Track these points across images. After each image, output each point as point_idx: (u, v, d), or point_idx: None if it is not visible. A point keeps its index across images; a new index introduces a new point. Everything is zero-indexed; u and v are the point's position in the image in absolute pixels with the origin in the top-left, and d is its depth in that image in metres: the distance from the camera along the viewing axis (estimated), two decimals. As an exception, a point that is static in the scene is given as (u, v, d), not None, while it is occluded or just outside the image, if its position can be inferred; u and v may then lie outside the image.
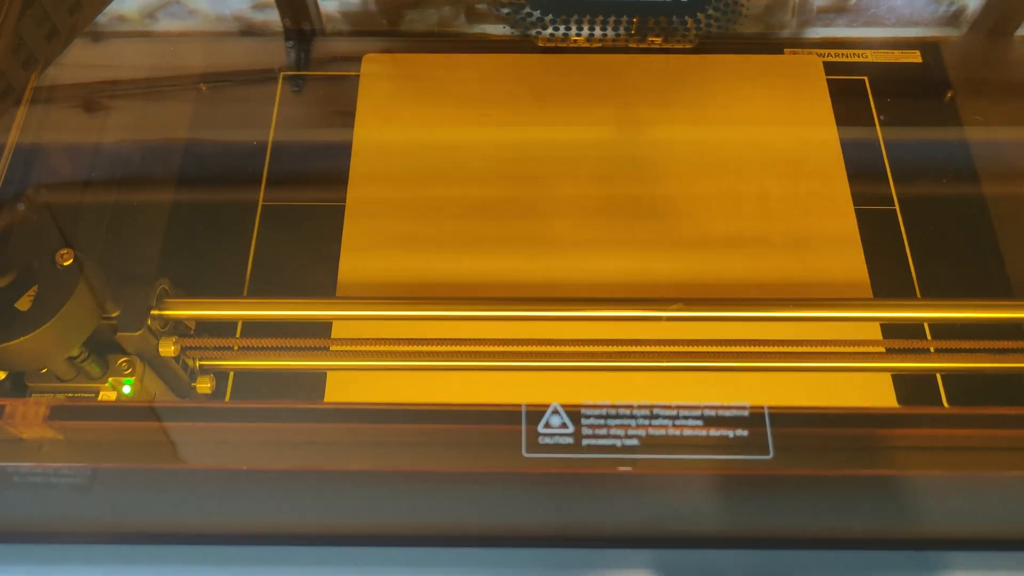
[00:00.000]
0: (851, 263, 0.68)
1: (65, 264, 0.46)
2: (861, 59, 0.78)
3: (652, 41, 0.49)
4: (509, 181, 0.72)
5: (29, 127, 0.71)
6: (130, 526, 0.34)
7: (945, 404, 0.59)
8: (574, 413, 0.36)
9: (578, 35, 0.49)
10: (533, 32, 0.50)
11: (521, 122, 0.74)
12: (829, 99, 0.75)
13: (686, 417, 0.36)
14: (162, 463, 0.35)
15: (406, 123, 0.74)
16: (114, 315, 0.48)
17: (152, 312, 0.49)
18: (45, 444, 0.36)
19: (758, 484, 0.35)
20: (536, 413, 0.36)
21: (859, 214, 0.69)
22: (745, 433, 0.36)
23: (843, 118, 0.74)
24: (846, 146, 0.72)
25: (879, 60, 0.77)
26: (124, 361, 0.49)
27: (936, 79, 0.77)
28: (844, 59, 0.78)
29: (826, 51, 0.77)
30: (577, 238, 0.69)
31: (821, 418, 0.37)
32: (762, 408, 0.36)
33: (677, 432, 0.36)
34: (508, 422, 0.36)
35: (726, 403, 0.36)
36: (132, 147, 0.79)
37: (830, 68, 0.77)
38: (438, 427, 0.36)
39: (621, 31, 0.49)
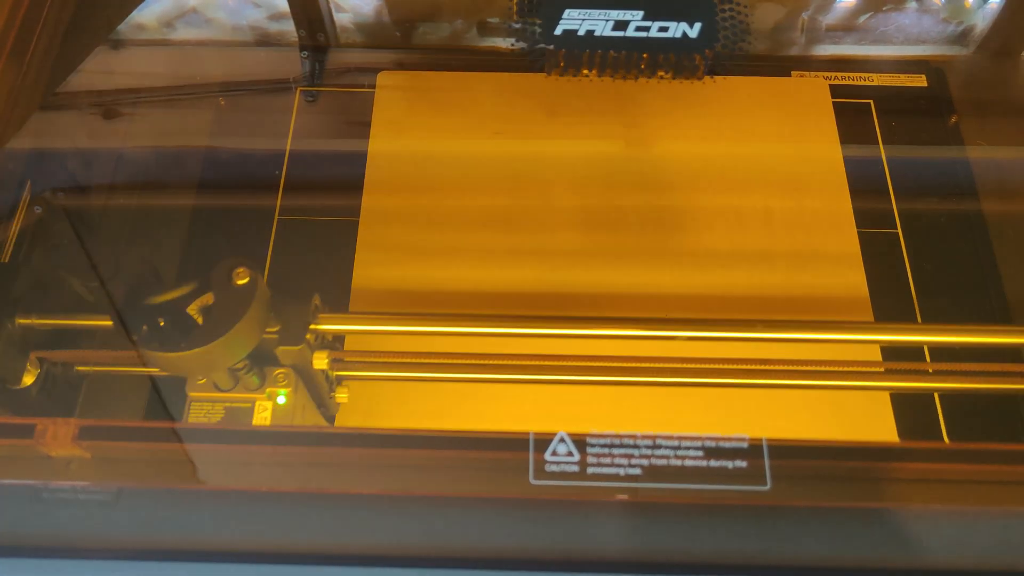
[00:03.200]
0: (852, 281, 0.69)
1: (240, 283, 0.48)
2: (867, 83, 0.79)
3: (661, 76, 0.51)
4: (519, 195, 0.73)
5: (49, 132, 0.72)
6: (154, 543, 0.36)
7: (946, 439, 0.60)
8: (580, 441, 0.37)
9: (588, 71, 0.51)
10: (543, 66, 0.51)
11: (531, 136, 0.75)
12: (835, 122, 0.76)
13: (687, 448, 0.38)
14: (185, 483, 0.37)
15: (420, 137, 0.75)
16: (275, 329, 0.50)
17: (311, 327, 0.51)
18: (73, 462, 0.37)
19: (756, 514, 0.37)
20: (543, 441, 0.37)
21: (862, 236, 0.70)
22: (744, 464, 0.37)
23: (848, 141, 0.75)
24: (850, 168, 0.73)
25: (885, 84, 0.78)
26: (280, 373, 0.51)
27: (941, 103, 0.78)
28: (850, 82, 0.79)
29: (832, 74, 0.78)
30: (584, 251, 0.70)
31: (819, 450, 0.39)
32: (760, 440, 0.37)
33: (679, 462, 0.37)
34: (516, 449, 0.37)
35: (726, 434, 0.38)
36: (150, 154, 0.81)
37: (836, 91, 0.78)
38: (447, 453, 0.37)
39: (631, 68, 0.50)
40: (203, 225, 0.73)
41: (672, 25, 0.50)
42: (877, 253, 0.70)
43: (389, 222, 0.72)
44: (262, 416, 0.50)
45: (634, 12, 0.50)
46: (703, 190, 0.73)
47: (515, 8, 0.53)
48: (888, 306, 0.68)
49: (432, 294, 0.68)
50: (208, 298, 0.48)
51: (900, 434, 0.60)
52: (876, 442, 0.49)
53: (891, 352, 0.64)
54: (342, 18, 0.89)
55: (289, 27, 0.89)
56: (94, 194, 0.77)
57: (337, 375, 0.55)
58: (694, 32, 0.50)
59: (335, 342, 0.56)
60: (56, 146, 0.76)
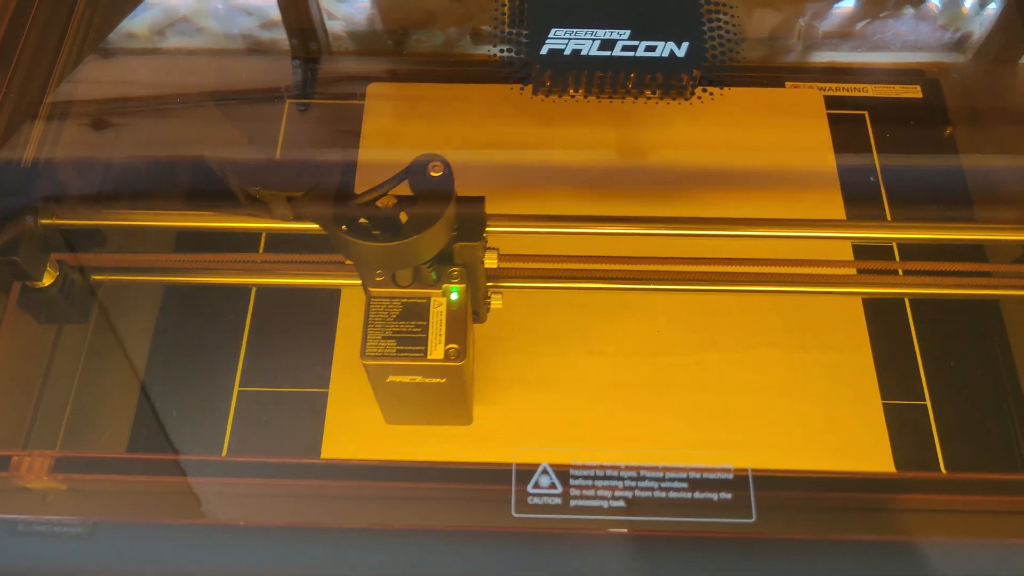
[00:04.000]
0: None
1: (435, 174, 0.50)
2: (862, 93, 0.78)
3: (648, 96, 0.50)
4: (511, 205, 0.72)
5: (40, 142, 0.72)
6: (130, 578, 0.35)
7: (943, 469, 0.60)
8: (563, 473, 0.37)
9: (575, 91, 0.50)
10: (530, 86, 0.51)
11: (523, 147, 0.74)
12: (829, 132, 0.75)
13: (671, 479, 0.37)
14: (162, 516, 0.36)
15: (410, 148, 0.75)
16: (455, 227, 0.52)
17: (487, 227, 0.52)
18: (49, 495, 0.37)
19: (741, 546, 0.36)
20: (526, 472, 0.37)
21: (855, 249, 0.70)
22: (729, 496, 0.36)
23: (843, 151, 0.74)
24: (845, 180, 0.72)
25: (879, 95, 0.78)
26: (455, 270, 0.53)
27: (936, 114, 0.77)
28: (845, 93, 0.78)
29: (827, 85, 0.78)
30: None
31: (805, 482, 0.38)
32: (746, 471, 0.37)
33: (663, 494, 0.36)
34: (498, 481, 0.37)
35: (712, 455, 0.37)
36: (140, 163, 0.80)
37: (831, 102, 0.77)
38: (427, 485, 0.37)
39: (618, 88, 0.50)
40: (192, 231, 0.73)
41: (659, 44, 0.49)
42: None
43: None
44: (437, 311, 0.52)
45: (621, 31, 0.50)
46: (697, 201, 0.72)
47: (501, 28, 0.53)
48: (882, 313, 0.68)
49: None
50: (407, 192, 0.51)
51: (897, 464, 0.60)
52: (862, 473, 0.48)
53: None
54: (334, 26, 0.89)
55: (281, 35, 0.88)
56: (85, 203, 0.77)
57: (490, 286, 0.57)
58: (681, 51, 0.49)
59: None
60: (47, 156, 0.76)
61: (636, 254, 0.56)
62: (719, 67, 0.51)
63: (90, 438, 0.57)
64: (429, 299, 0.52)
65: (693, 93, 0.50)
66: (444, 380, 0.52)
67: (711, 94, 0.50)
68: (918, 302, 0.68)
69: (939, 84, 0.79)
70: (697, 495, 0.37)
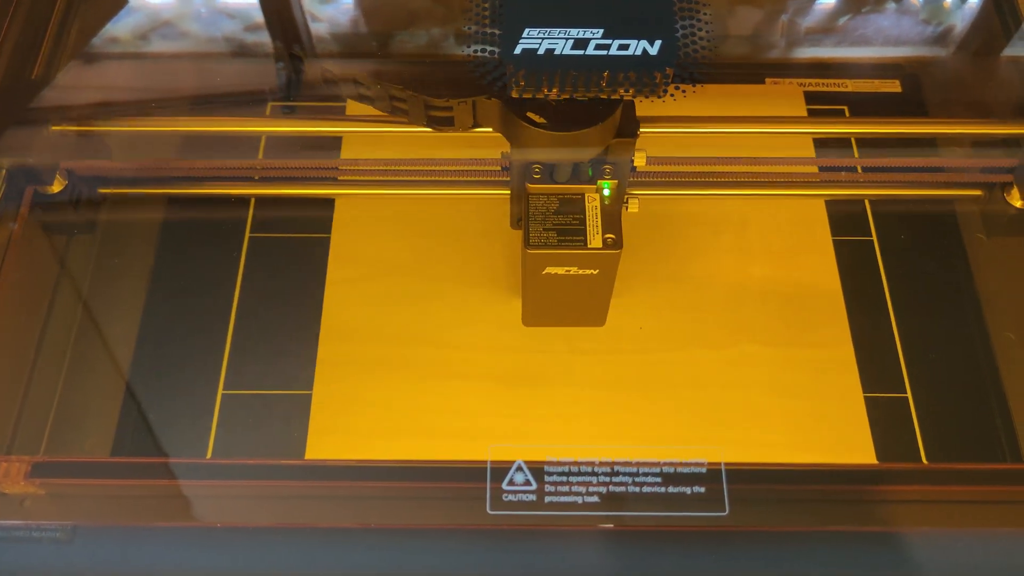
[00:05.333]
0: (828, 286, 0.69)
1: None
2: (841, 88, 0.78)
3: (621, 94, 0.50)
4: (488, 205, 0.73)
5: (23, 145, 0.72)
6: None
7: (924, 459, 0.60)
8: (537, 470, 0.37)
9: (548, 90, 0.50)
10: (503, 87, 0.51)
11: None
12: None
13: (646, 474, 0.37)
14: (141, 520, 0.37)
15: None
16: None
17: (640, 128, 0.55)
18: (27, 499, 0.37)
19: (715, 539, 0.37)
20: (501, 470, 0.37)
21: (836, 244, 0.70)
22: (702, 490, 0.37)
23: (822, 147, 0.74)
24: (825, 175, 0.73)
25: (859, 90, 0.78)
26: (608, 167, 0.56)
27: (915, 109, 0.78)
28: (825, 88, 0.78)
29: (807, 81, 0.78)
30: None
31: (777, 474, 0.38)
32: (719, 464, 0.37)
33: (637, 489, 0.37)
34: (472, 479, 0.37)
35: (684, 459, 0.37)
36: (122, 167, 0.80)
37: (811, 97, 0.77)
38: (401, 484, 0.37)
39: (592, 87, 0.50)
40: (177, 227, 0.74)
41: (632, 43, 0.49)
42: (853, 263, 0.71)
43: (360, 229, 0.72)
44: (592, 205, 0.56)
45: (594, 30, 0.50)
46: (676, 198, 0.73)
47: (475, 29, 0.53)
48: (862, 306, 0.68)
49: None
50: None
51: (879, 456, 0.60)
52: (835, 465, 0.49)
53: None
54: (318, 28, 0.89)
55: (265, 38, 0.88)
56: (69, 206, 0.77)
57: (629, 192, 0.60)
58: (654, 49, 0.49)
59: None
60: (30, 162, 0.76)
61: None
62: (693, 65, 0.51)
63: (74, 442, 0.57)
64: (584, 195, 0.56)
65: (666, 91, 0.50)
66: (598, 271, 0.56)
67: (684, 91, 0.50)
68: (898, 296, 0.68)
69: (918, 78, 0.80)
70: (671, 489, 0.37)
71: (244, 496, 0.38)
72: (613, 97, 0.52)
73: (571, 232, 0.55)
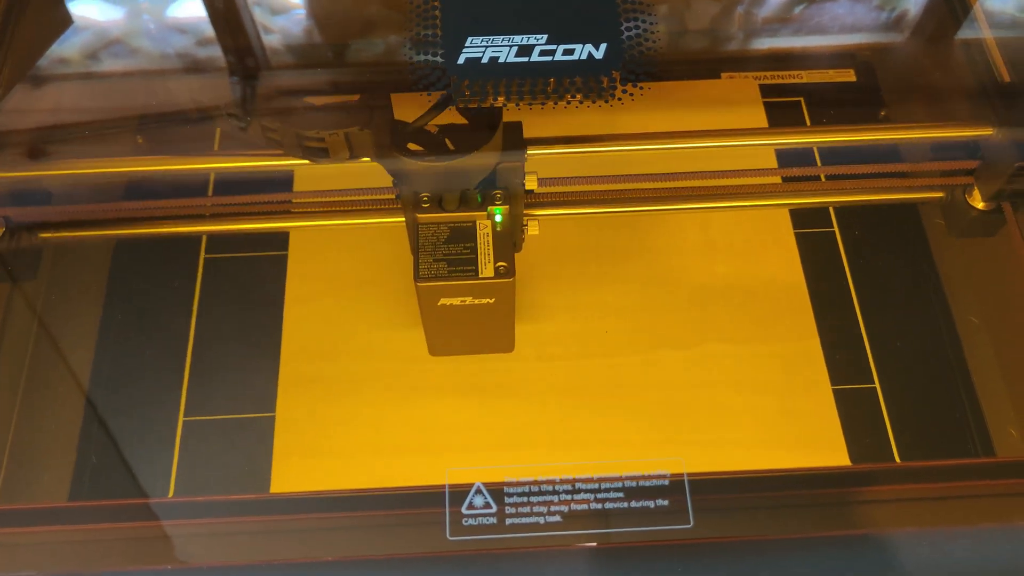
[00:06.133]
0: (792, 280, 0.69)
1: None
2: (797, 80, 0.78)
3: (569, 100, 0.50)
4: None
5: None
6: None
7: (894, 449, 0.61)
8: (497, 492, 0.36)
9: (495, 99, 0.50)
10: (450, 96, 0.50)
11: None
12: (766, 120, 0.75)
13: (607, 489, 0.37)
14: (105, 566, 0.36)
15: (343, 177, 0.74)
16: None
17: (528, 151, 0.55)
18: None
19: (681, 552, 0.36)
20: (460, 493, 0.36)
21: (798, 237, 0.70)
22: (666, 503, 0.36)
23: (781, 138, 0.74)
24: (784, 166, 0.72)
25: (814, 80, 0.78)
26: (498, 193, 0.55)
27: (870, 97, 0.78)
28: (781, 80, 0.78)
29: (762, 73, 0.78)
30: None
31: (739, 483, 0.38)
32: (682, 475, 0.37)
33: (599, 505, 0.36)
34: (430, 504, 0.36)
35: (646, 472, 0.37)
36: (76, 189, 0.79)
37: (767, 90, 0.77)
38: (356, 514, 0.36)
39: (538, 94, 0.49)
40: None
41: (577, 47, 0.49)
42: (815, 255, 0.70)
43: (317, 247, 0.71)
44: (484, 233, 0.55)
45: (538, 36, 0.49)
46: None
47: (418, 39, 0.52)
48: (827, 299, 0.68)
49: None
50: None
51: (850, 447, 0.60)
52: (802, 469, 0.48)
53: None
54: (271, 40, 0.88)
55: (217, 52, 0.87)
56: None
57: (527, 214, 0.60)
58: (600, 53, 0.49)
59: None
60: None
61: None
62: (642, 65, 0.50)
63: (29, 487, 0.56)
64: (475, 222, 0.55)
65: (614, 95, 0.49)
66: (494, 300, 0.55)
67: (631, 95, 0.50)
68: (862, 286, 0.68)
69: (872, 66, 0.80)
70: (634, 504, 0.37)
71: (202, 534, 0.37)
72: (505, 120, 0.51)
73: (461, 262, 0.54)
